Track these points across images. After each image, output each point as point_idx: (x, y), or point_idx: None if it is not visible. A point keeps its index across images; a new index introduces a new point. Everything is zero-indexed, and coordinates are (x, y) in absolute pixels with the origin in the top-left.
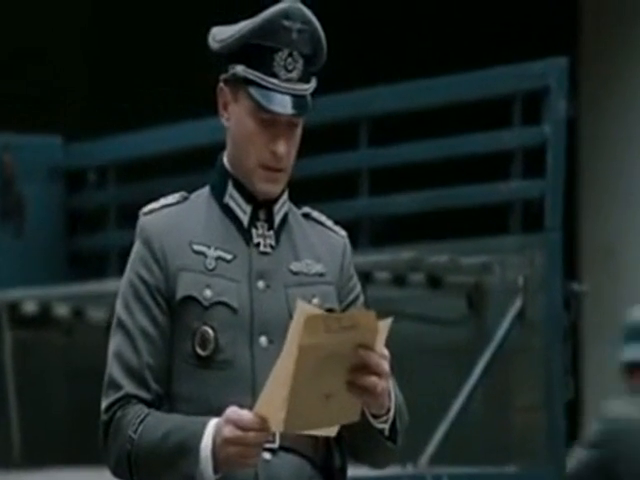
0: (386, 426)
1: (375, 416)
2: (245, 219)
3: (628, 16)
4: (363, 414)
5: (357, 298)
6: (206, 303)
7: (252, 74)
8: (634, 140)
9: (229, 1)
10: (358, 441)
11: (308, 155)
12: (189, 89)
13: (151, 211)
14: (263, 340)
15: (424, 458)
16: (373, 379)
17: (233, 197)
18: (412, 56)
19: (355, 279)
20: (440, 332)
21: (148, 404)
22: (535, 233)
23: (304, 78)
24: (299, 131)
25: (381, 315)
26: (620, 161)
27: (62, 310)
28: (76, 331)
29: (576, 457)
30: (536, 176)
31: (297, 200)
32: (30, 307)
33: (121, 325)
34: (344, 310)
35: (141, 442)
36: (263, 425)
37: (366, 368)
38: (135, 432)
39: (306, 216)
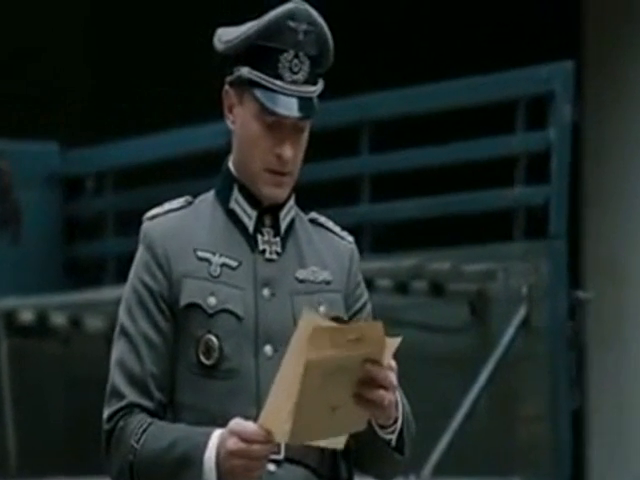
0: (393, 437)
1: (382, 426)
2: (250, 225)
3: (632, 20)
4: (370, 425)
5: (364, 306)
6: (210, 311)
7: (257, 76)
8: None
9: (232, 5)
10: (364, 452)
11: (309, 161)
12: (189, 94)
13: (155, 216)
14: (268, 349)
15: (427, 469)
16: (381, 392)
17: (238, 202)
18: (415, 61)
19: (362, 286)
20: (443, 341)
21: (151, 413)
22: (539, 240)
23: (310, 80)
24: (306, 134)
25: (384, 323)
26: (625, 168)
27: (59, 319)
28: (73, 340)
29: None
30: (540, 182)
31: (298, 206)
32: (27, 316)
33: (124, 332)
34: (351, 318)
35: (144, 452)
36: (268, 437)
37: (373, 381)
38: (138, 442)
39: (313, 222)
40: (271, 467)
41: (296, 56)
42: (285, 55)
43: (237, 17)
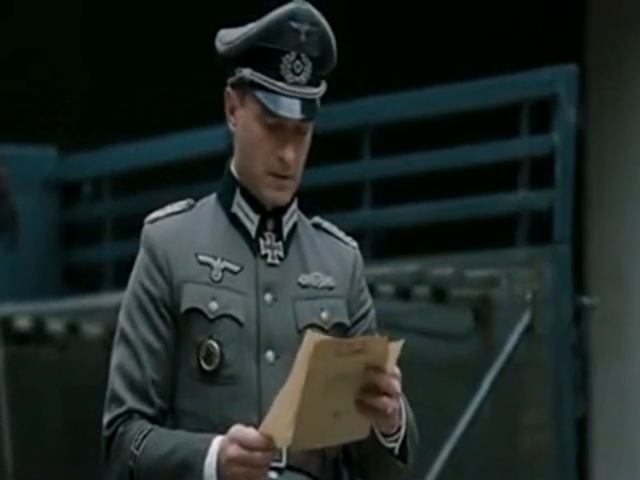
0: (396, 445)
1: (385, 434)
2: (253, 229)
3: (636, 23)
4: (373, 432)
5: (368, 312)
6: (211, 316)
7: (259, 77)
8: None
9: (232, 6)
10: (367, 460)
11: (309, 165)
12: (188, 98)
13: (156, 219)
14: (270, 355)
15: (430, 477)
16: (384, 400)
17: (240, 206)
18: (418, 64)
19: (366, 292)
20: (445, 347)
21: (151, 419)
22: (543, 245)
23: (313, 81)
24: (308, 137)
25: (386, 329)
26: (629, 173)
27: (56, 325)
28: (71, 347)
29: None
30: (544, 186)
31: (299, 211)
32: (23, 322)
33: (124, 338)
34: (354, 324)
35: (144, 459)
36: (269, 444)
37: (377, 388)
38: (138, 448)
39: (316, 226)
40: (272, 475)
41: (298, 57)
42: (287, 56)
43: (237, 18)
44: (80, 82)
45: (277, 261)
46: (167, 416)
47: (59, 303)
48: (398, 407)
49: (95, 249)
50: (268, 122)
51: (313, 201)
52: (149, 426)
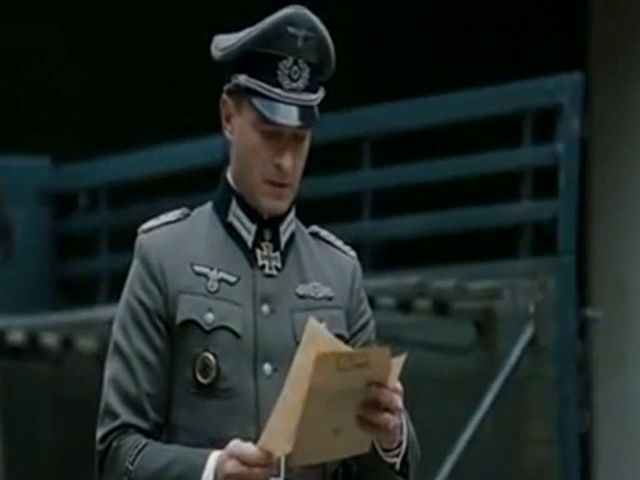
0: (397, 460)
1: (386, 450)
2: (249, 239)
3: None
4: (373, 447)
5: (367, 323)
6: (207, 327)
7: (255, 84)
8: None
9: (229, 18)
10: (368, 475)
11: (308, 176)
12: (184, 109)
13: (150, 229)
14: (267, 368)
15: None
16: (386, 416)
17: (237, 215)
18: (418, 72)
19: (365, 303)
20: (447, 361)
21: (146, 434)
22: (547, 256)
23: (311, 88)
24: (306, 144)
25: (386, 343)
26: (633, 184)
27: (50, 340)
28: (65, 362)
29: None
30: (547, 197)
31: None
32: (17, 336)
33: (118, 350)
34: (354, 335)
35: (138, 474)
36: (267, 460)
37: (378, 404)
38: (132, 464)
39: (314, 235)
40: None
41: (295, 63)
42: (284, 62)
43: (234, 30)
44: (75, 92)
45: (274, 272)
46: (162, 430)
47: (53, 317)
48: (399, 423)
49: (90, 261)
50: (265, 129)
51: (312, 211)
52: (144, 441)
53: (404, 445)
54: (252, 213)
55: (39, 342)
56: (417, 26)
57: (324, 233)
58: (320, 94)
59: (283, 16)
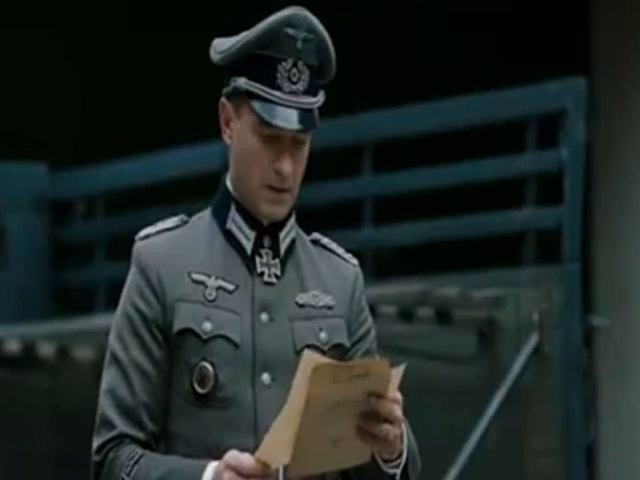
0: (397, 471)
1: (386, 460)
2: (248, 246)
3: None
4: (373, 458)
5: (369, 332)
6: (205, 336)
7: (254, 87)
8: None
9: (227, 24)
10: None
11: (309, 182)
12: (181, 116)
13: (147, 236)
14: (266, 377)
15: None
16: (385, 427)
17: (236, 222)
18: (420, 78)
19: (367, 311)
20: (450, 370)
21: (143, 444)
22: (551, 264)
23: (311, 91)
24: (306, 149)
25: (388, 352)
26: (638, 191)
27: (47, 349)
28: (62, 371)
29: None
30: (552, 203)
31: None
32: (13, 346)
33: (115, 359)
34: (355, 344)
35: None
36: (264, 471)
37: (378, 415)
38: (128, 475)
39: (315, 243)
40: None
41: (295, 65)
42: (283, 64)
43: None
44: (73, 99)
45: (274, 279)
46: (159, 440)
47: (50, 326)
48: (399, 433)
49: (87, 269)
50: (264, 133)
51: (313, 219)
52: (140, 451)
53: (404, 455)
54: (251, 220)
55: (35, 351)
56: (420, 31)
57: (325, 241)
58: (320, 97)
59: (282, 17)
